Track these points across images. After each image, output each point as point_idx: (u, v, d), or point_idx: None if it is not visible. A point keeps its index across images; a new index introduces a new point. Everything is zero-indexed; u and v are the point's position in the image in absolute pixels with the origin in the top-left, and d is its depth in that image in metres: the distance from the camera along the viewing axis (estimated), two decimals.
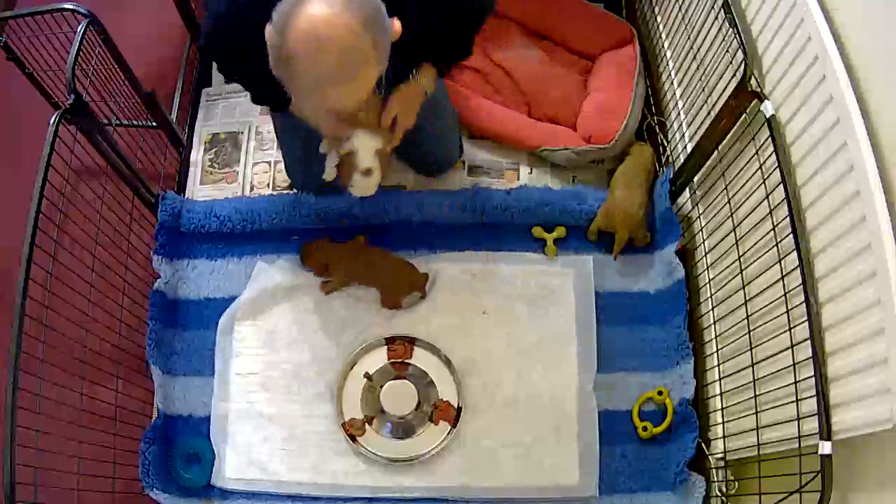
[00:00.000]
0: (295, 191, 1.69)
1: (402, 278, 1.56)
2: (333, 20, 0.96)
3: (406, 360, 1.55)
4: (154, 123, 1.70)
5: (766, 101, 1.22)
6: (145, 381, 1.51)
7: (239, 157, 1.79)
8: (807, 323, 1.11)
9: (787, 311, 1.18)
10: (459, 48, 1.37)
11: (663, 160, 1.71)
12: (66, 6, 1.40)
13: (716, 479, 1.42)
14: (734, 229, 1.36)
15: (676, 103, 1.65)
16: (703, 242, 1.52)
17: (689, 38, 1.56)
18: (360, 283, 1.59)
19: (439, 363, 1.55)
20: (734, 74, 1.33)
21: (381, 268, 1.57)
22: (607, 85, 1.76)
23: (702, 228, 1.54)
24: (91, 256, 1.39)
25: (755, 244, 1.29)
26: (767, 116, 1.22)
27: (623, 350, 1.56)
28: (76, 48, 1.32)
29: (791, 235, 1.15)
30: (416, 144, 1.67)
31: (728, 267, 1.39)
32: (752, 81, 1.25)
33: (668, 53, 1.71)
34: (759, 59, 1.29)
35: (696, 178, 1.55)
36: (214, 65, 1.86)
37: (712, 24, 1.42)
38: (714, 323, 1.46)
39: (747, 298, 1.31)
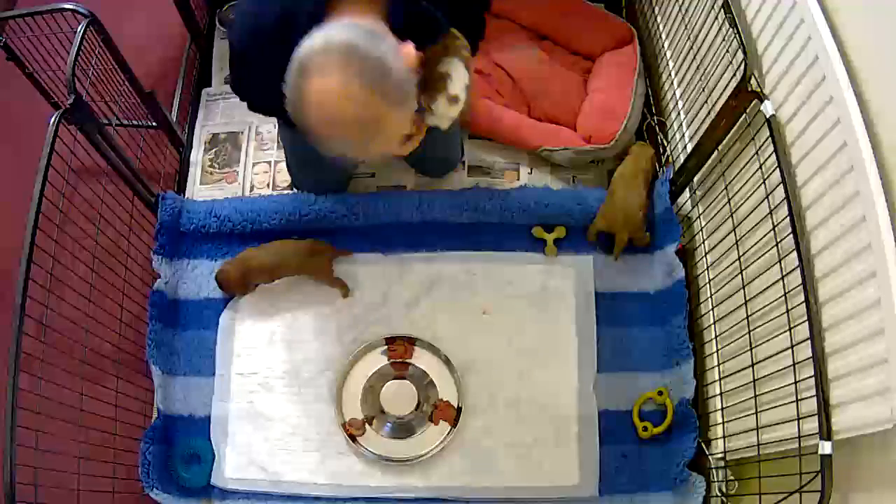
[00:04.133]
0: (295, 191, 1.69)
1: (311, 252, 1.57)
2: (341, 95, 0.93)
3: (406, 360, 1.55)
4: (154, 123, 1.70)
5: (766, 101, 1.22)
6: (145, 381, 1.51)
7: (239, 157, 1.79)
8: (807, 323, 1.11)
9: (787, 311, 1.18)
10: (473, 30, 1.30)
11: (663, 160, 1.71)
12: (66, 6, 1.40)
13: (716, 479, 1.42)
14: (734, 229, 1.36)
15: (676, 103, 1.65)
16: (703, 242, 1.52)
17: (689, 38, 1.56)
18: (283, 273, 1.59)
19: (439, 363, 1.55)
20: (734, 74, 1.33)
21: (290, 250, 1.57)
22: (607, 85, 1.76)
23: (702, 228, 1.53)
24: (91, 256, 1.39)
25: (755, 244, 1.29)
26: (767, 116, 1.22)
27: (623, 350, 1.56)
28: (76, 48, 1.32)
29: (791, 235, 1.15)
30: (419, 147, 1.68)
31: (728, 267, 1.39)
32: (752, 81, 1.25)
33: (668, 53, 1.71)
34: (759, 59, 1.29)
35: (696, 178, 1.55)
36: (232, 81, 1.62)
37: (712, 24, 1.42)
38: (714, 323, 1.46)
39: (747, 298, 1.31)
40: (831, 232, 1.09)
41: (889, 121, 1.01)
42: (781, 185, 1.18)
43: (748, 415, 1.28)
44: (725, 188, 1.39)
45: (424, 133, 1.21)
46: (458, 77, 1.16)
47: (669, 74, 1.70)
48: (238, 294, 1.60)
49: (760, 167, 1.26)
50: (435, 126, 1.21)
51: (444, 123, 1.20)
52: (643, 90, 1.77)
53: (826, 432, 1.06)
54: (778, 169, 1.19)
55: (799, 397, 1.14)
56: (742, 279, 1.32)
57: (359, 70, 0.93)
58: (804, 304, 1.12)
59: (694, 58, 1.53)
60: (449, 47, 1.15)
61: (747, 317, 1.30)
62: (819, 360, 1.09)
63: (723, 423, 1.40)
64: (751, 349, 1.28)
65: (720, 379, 1.43)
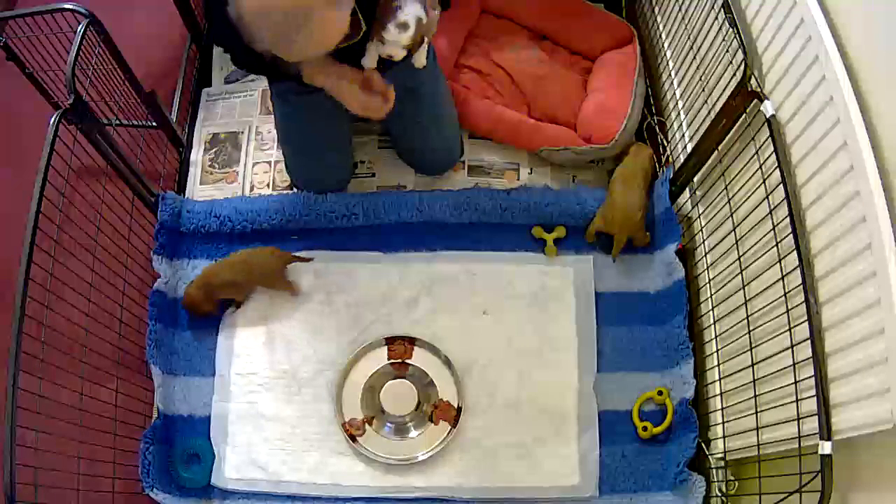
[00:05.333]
0: (295, 190, 1.69)
1: (271, 260, 1.56)
2: None
3: (406, 360, 1.55)
4: (154, 123, 1.70)
5: (766, 101, 1.22)
6: (145, 381, 1.51)
7: (239, 157, 1.79)
8: (807, 323, 1.11)
9: (787, 311, 1.18)
10: None
11: (663, 160, 1.71)
12: (66, 6, 1.40)
13: (716, 479, 1.42)
14: (734, 229, 1.36)
15: (676, 103, 1.65)
16: (703, 242, 1.52)
17: (689, 38, 1.56)
18: (249, 288, 1.59)
19: (439, 363, 1.55)
20: (734, 74, 1.33)
21: (252, 263, 1.56)
22: (607, 85, 1.76)
23: (702, 228, 1.54)
24: (91, 256, 1.39)
25: (755, 244, 1.29)
26: (767, 116, 1.22)
27: (623, 350, 1.56)
28: (76, 48, 1.32)
29: (791, 235, 1.15)
30: (417, 141, 1.68)
31: (728, 267, 1.39)
32: (752, 81, 1.25)
33: (668, 53, 1.71)
34: (759, 59, 1.29)
35: (696, 178, 1.55)
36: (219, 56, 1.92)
37: (712, 24, 1.42)
38: (714, 323, 1.46)
39: (747, 298, 1.31)
40: (831, 232, 1.09)
41: (889, 121, 1.01)
42: (781, 185, 1.18)
43: (748, 415, 1.28)
44: (725, 188, 1.39)
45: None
46: (410, 9, 1.23)
47: (669, 74, 1.70)
48: (207, 313, 1.57)
49: (760, 167, 1.26)
50: (389, 57, 1.26)
51: (397, 52, 1.25)
52: (643, 90, 1.77)
53: (826, 432, 1.06)
54: (778, 169, 1.19)
55: (799, 397, 1.14)
56: (742, 279, 1.32)
57: None
58: (804, 304, 1.12)
59: (694, 58, 1.53)
60: None
61: (747, 317, 1.30)
62: (819, 360, 1.09)
63: (723, 423, 1.40)
64: (751, 349, 1.28)
65: (720, 379, 1.43)
